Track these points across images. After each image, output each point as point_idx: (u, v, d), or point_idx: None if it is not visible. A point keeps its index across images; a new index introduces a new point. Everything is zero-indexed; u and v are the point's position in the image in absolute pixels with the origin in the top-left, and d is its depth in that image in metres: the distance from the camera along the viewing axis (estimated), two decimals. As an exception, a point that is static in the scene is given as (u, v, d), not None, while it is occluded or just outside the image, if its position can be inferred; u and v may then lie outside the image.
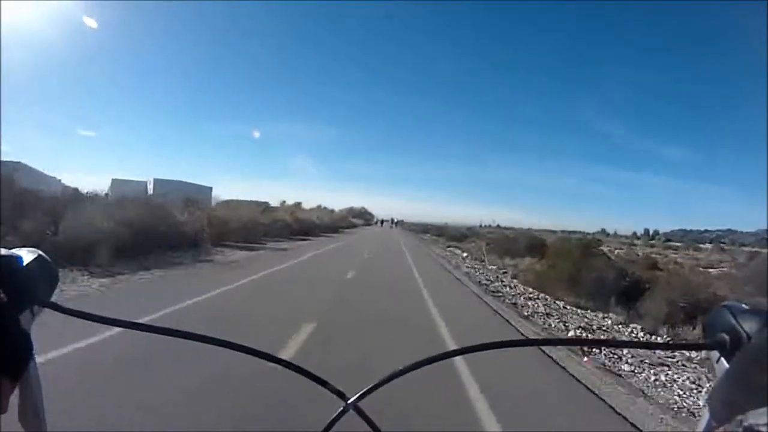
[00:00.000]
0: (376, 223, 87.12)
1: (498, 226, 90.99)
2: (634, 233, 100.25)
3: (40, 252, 0.39)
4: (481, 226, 72.20)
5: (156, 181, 23.78)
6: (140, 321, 0.41)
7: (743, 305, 0.38)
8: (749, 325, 0.35)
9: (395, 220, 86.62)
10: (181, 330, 0.40)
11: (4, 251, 0.37)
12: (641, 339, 8.17)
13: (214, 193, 29.64)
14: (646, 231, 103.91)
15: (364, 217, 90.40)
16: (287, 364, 0.43)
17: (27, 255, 0.38)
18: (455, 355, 0.43)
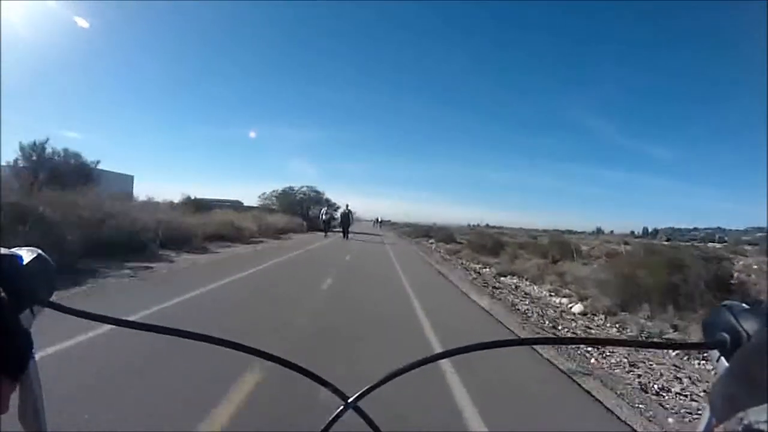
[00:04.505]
0: (334, 226, 27.73)
1: (487, 225, 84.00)
2: (632, 232, 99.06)
3: (40, 251, 0.39)
4: (469, 226, 64.51)
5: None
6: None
7: (743, 305, 0.38)
8: (749, 325, 0.35)
9: (380, 220, 65.31)
10: (184, 330, 0.40)
11: (4, 250, 0.36)
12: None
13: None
14: (645, 229, 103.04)
15: (317, 204, 33.98)
16: (289, 364, 0.43)
17: (27, 254, 0.38)
18: (451, 356, 0.44)
